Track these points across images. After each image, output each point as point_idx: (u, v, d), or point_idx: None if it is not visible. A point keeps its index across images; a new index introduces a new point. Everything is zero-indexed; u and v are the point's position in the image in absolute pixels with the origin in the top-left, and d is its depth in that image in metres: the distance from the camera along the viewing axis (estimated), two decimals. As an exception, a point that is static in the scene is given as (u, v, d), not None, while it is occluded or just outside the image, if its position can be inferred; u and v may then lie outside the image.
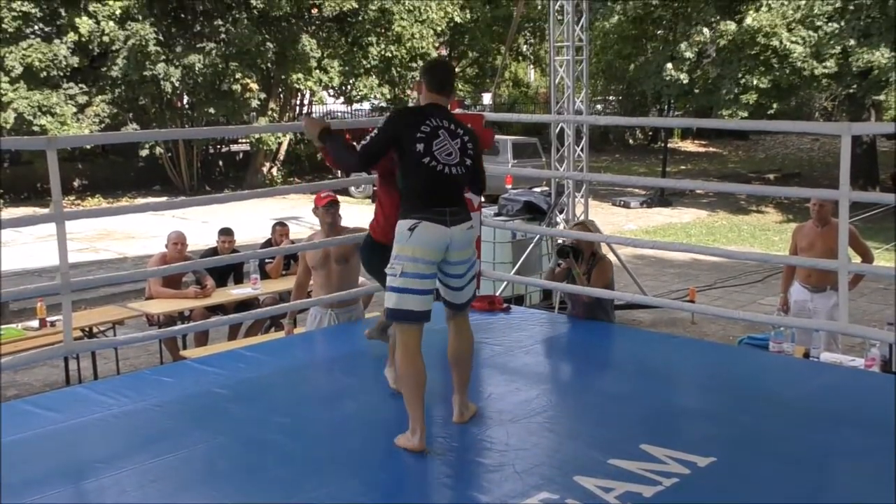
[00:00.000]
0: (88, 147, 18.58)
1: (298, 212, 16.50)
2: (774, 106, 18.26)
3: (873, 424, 3.22)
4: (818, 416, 3.95)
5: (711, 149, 32.53)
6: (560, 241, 6.03)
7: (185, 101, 20.03)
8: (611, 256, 10.66)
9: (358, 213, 13.07)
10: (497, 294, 7.70)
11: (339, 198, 6.03)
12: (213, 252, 7.91)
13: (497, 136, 18.45)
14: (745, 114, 17.70)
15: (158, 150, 18.88)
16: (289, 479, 3.24)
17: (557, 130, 10.54)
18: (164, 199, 17.83)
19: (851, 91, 18.46)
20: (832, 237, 5.53)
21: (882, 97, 17.99)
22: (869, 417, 3.22)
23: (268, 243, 8.46)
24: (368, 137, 3.64)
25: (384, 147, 3.63)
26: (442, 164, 3.56)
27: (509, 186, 14.96)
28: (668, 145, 24.39)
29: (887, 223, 14.19)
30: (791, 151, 31.06)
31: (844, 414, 3.95)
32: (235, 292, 7.92)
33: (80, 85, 17.59)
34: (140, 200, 18.36)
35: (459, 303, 3.75)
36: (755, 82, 17.56)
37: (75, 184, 19.24)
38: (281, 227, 8.41)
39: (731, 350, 6.29)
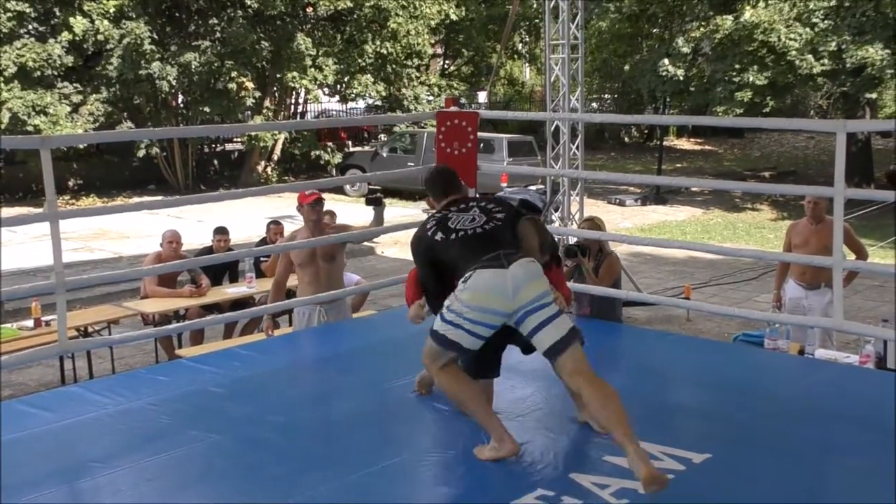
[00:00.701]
0: (83, 147, 18.53)
1: (293, 210, 16.48)
2: (770, 103, 18.28)
3: (869, 421, 3.23)
4: (813, 412, 3.95)
5: (707, 147, 32.57)
6: (568, 241, 6.02)
7: (179, 100, 19.99)
8: (606, 254, 10.72)
9: (353, 212, 13.09)
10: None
11: (334, 196, 6.05)
12: (208, 251, 7.91)
13: (492, 135, 18.47)
14: (741, 111, 17.72)
15: (154, 149, 18.85)
16: (285, 476, 3.24)
17: (553, 128, 10.55)
18: (159, 198, 17.78)
19: (845, 89, 18.50)
20: (826, 234, 5.55)
21: (875, 95, 18.03)
22: (864, 414, 3.23)
23: (263, 242, 8.45)
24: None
25: (430, 272, 3.57)
26: (470, 229, 3.42)
27: (504, 185, 14.95)
28: (664, 143, 24.43)
29: (882, 221, 14.21)
30: (786, 149, 31.09)
31: (840, 410, 3.95)
32: (231, 291, 7.91)
33: (74, 84, 17.56)
34: (135, 199, 18.32)
35: (555, 340, 3.25)
36: (751, 79, 17.58)
37: (70, 183, 19.19)
38: (276, 225, 8.40)
39: (726, 347, 6.30)
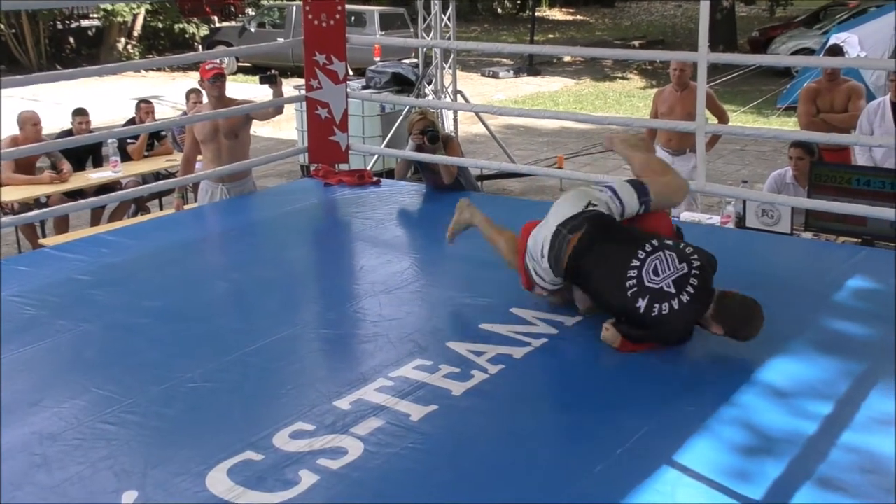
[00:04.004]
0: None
1: (159, 90, 15.81)
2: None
3: (728, 277, 3.39)
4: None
5: (579, 17, 32.66)
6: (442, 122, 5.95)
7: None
8: (480, 127, 10.76)
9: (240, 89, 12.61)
10: (368, 168, 7.64)
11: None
12: (67, 134, 7.53)
13: (363, 7, 17.99)
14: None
15: (0, 26, 17.57)
16: (160, 362, 3.19)
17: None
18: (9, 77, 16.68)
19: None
20: (691, 100, 5.68)
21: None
22: (724, 270, 3.40)
23: (131, 122, 8.11)
24: None
25: None
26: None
27: (377, 59, 14.68)
28: (536, 14, 24.33)
29: (744, 86, 14.70)
30: (656, 18, 31.48)
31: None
32: (95, 176, 7.60)
33: None
34: (-16, 82, 17.15)
35: None
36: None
37: None
38: (146, 104, 8.06)
39: (597, 214, 6.46)
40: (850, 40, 12.88)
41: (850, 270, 4.04)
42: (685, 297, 3.04)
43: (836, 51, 8.04)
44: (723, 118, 6.79)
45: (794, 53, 16.85)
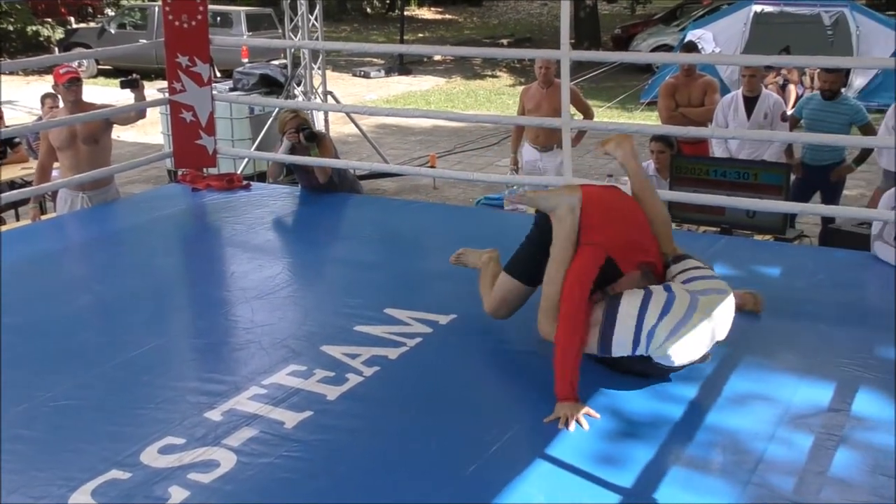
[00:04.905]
0: None
1: (12, 94, 15.09)
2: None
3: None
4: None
5: (448, 16, 32.92)
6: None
7: None
8: (352, 127, 10.71)
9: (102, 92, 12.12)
10: (238, 172, 7.50)
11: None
12: None
13: (229, 7, 17.64)
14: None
15: None
16: (20, 381, 3.03)
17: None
18: None
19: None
20: (556, 97, 5.81)
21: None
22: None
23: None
24: None
25: None
26: None
27: (246, 60, 14.42)
28: (406, 13, 24.38)
29: (608, 82, 15.13)
30: (522, 17, 32.05)
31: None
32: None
33: None
34: None
35: None
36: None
37: None
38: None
39: (469, 211, 6.54)
40: (705, 36, 13.46)
41: (710, 258, 4.19)
42: None
43: (692, 47, 8.37)
44: (588, 114, 6.96)
45: (654, 50, 17.46)
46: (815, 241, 5.90)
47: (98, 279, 4.20)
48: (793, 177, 5.80)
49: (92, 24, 20.89)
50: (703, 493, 2.36)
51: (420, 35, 26.87)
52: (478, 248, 3.68)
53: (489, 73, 19.44)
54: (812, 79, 12.27)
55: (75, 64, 5.89)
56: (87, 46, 18.10)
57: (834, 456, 2.51)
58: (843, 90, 6.70)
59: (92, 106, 5.68)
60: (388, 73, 19.15)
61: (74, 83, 5.52)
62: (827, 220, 5.94)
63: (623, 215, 3.12)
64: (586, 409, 2.71)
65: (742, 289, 3.46)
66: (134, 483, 2.41)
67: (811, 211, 5.64)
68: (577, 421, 2.66)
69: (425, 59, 21.10)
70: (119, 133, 12.54)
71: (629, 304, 2.80)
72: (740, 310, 3.14)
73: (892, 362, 3.07)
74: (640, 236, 3.08)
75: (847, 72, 12.24)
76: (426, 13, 33.39)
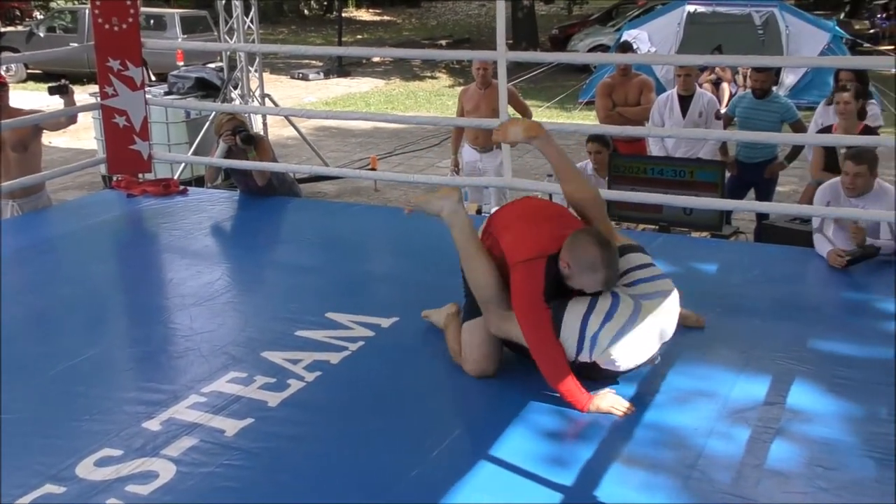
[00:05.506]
0: None
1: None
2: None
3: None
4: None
5: (386, 17, 32.87)
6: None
7: None
8: (290, 130, 10.61)
9: (31, 97, 11.82)
10: (175, 177, 7.39)
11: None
12: None
13: (163, 10, 17.37)
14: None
15: None
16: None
17: (224, 1, 10.05)
18: None
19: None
20: (494, 98, 5.81)
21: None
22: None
23: None
24: None
25: None
26: None
27: (181, 63, 14.20)
28: (344, 15, 24.28)
29: (547, 83, 15.24)
30: (461, 17, 32.14)
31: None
32: None
33: None
34: None
35: None
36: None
37: None
38: None
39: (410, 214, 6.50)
40: (640, 36, 13.64)
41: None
42: None
43: (627, 47, 8.44)
44: (525, 114, 6.99)
45: (591, 50, 17.63)
46: (751, 238, 6.01)
47: (30, 288, 4.09)
48: (728, 174, 5.90)
49: (19, 28, 20.41)
50: (645, 489, 2.39)
51: (358, 36, 26.78)
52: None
53: (428, 74, 19.45)
54: (745, 77, 12.49)
55: (2, 69, 5.70)
56: (16, 50, 17.69)
57: (771, 448, 2.56)
58: (774, 88, 6.83)
59: (20, 112, 5.52)
60: (327, 75, 19.04)
61: (1, 88, 5.38)
62: (761, 217, 6.06)
63: (534, 212, 3.15)
64: (612, 396, 2.79)
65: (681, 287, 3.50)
66: (69, 497, 2.35)
67: (746, 208, 5.75)
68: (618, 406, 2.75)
69: (364, 61, 21.03)
70: (51, 139, 12.27)
71: (573, 311, 2.82)
72: (683, 325, 3.18)
73: (826, 355, 3.15)
74: (560, 227, 2.97)
75: (778, 70, 12.51)
76: (364, 14, 33.31)
